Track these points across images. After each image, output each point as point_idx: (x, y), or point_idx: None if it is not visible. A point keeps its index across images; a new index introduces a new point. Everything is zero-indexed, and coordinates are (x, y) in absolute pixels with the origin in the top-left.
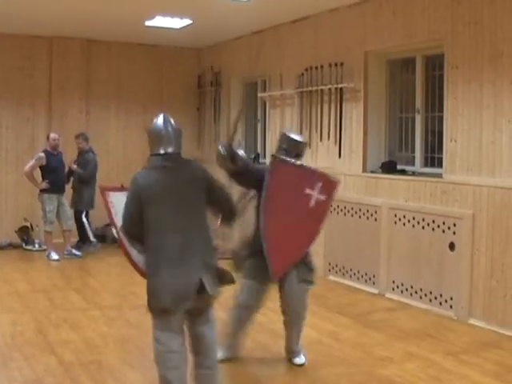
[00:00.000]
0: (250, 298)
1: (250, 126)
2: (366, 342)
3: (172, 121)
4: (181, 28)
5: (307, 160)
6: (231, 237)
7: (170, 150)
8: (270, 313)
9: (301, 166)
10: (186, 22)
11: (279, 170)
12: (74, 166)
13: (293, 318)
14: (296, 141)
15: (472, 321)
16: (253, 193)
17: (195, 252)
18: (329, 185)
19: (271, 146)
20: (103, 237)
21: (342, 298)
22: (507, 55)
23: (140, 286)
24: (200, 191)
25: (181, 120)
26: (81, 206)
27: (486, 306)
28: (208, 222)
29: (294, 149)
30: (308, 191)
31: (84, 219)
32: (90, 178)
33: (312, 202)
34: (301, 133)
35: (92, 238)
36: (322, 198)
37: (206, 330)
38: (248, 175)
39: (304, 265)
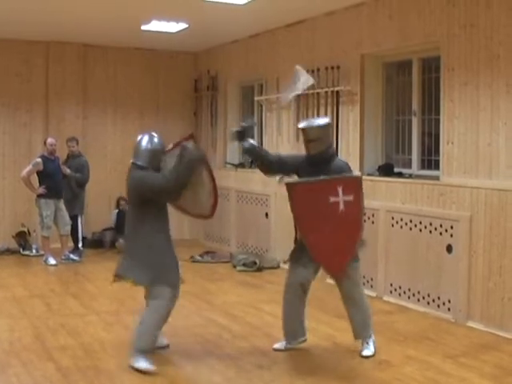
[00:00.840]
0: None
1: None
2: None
3: (153, 140)
4: (177, 32)
5: None
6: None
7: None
8: (267, 316)
9: (314, 181)
10: (182, 26)
11: (296, 192)
12: (68, 171)
13: (347, 303)
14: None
15: (470, 323)
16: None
17: None
18: (351, 183)
19: (269, 149)
20: (100, 242)
21: (339, 301)
22: (503, 57)
23: (138, 290)
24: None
25: (177, 124)
26: (77, 210)
27: (484, 309)
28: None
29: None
30: (333, 199)
31: (80, 224)
32: (87, 182)
33: (341, 207)
34: (297, 136)
35: (80, 246)
36: (350, 198)
37: None
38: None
39: None
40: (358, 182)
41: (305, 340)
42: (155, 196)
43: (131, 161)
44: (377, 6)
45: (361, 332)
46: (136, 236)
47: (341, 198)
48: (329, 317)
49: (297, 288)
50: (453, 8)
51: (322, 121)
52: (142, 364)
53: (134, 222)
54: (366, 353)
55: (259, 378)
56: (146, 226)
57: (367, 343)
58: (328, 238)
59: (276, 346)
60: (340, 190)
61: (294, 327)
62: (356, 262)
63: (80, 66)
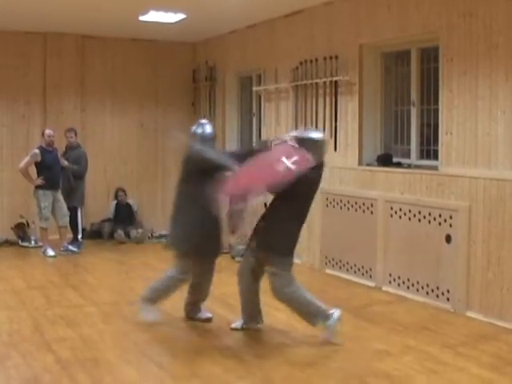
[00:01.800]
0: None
1: (246, 120)
2: (363, 335)
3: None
4: (175, 22)
5: None
6: None
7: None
8: (265, 306)
9: (294, 145)
10: (180, 16)
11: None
12: (66, 163)
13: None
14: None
15: (469, 313)
16: None
17: None
18: (303, 161)
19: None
20: (99, 233)
21: (338, 291)
22: (502, 47)
23: (137, 281)
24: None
25: (176, 115)
26: (76, 202)
27: (483, 299)
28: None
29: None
30: (283, 159)
31: (79, 216)
32: (85, 174)
33: (280, 166)
34: (296, 126)
35: (79, 237)
36: (292, 167)
37: None
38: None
39: None
40: (309, 163)
41: (259, 326)
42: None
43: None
44: None
45: (311, 322)
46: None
47: (287, 163)
48: (328, 307)
49: (247, 275)
50: None
51: (315, 134)
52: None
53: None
54: (325, 336)
55: (259, 368)
56: None
57: (327, 328)
58: (251, 169)
59: (233, 325)
60: (294, 158)
61: (249, 312)
62: (284, 257)
63: (78, 57)
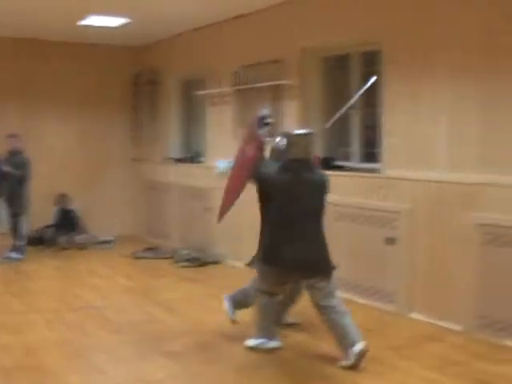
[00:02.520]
0: None
1: (188, 125)
2: (306, 339)
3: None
4: (118, 26)
5: None
6: None
7: None
8: (210, 311)
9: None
10: (124, 20)
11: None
12: (7, 168)
13: None
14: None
15: (413, 315)
16: None
17: None
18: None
19: (210, 144)
20: (40, 239)
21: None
22: (444, 49)
23: (80, 287)
24: None
25: (118, 119)
26: (19, 209)
27: (427, 300)
28: None
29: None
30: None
31: (22, 223)
32: (28, 179)
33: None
34: (237, 131)
35: (21, 244)
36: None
37: None
38: None
39: None
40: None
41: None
42: None
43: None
44: (317, 0)
45: None
46: None
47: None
48: None
49: None
50: (394, 2)
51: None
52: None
53: None
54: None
55: (204, 373)
56: None
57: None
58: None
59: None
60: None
61: None
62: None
63: (17, 61)
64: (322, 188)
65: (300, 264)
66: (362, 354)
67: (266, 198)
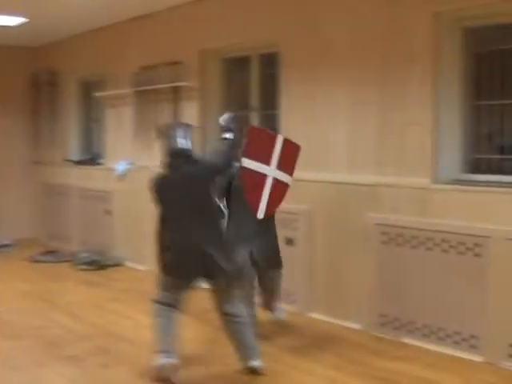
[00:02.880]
0: None
1: (87, 126)
2: (209, 339)
3: None
4: (15, 26)
5: (145, 160)
6: None
7: None
8: (110, 314)
9: None
10: (21, 19)
11: None
12: None
13: None
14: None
15: (313, 315)
16: None
17: None
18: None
19: (110, 146)
20: None
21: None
22: (340, 53)
23: None
24: None
25: (17, 121)
26: None
27: (326, 300)
28: None
29: None
30: None
31: None
32: None
33: None
34: (138, 133)
35: None
36: None
37: None
38: None
39: None
40: None
41: None
42: None
43: None
44: (217, 1)
45: None
46: None
47: None
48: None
49: None
50: (292, 5)
51: None
52: None
53: None
54: None
55: (103, 377)
56: None
57: None
58: None
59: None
60: None
61: None
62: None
63: None
64: (204, 180)
65: (187, 268)
66: (255, 371)
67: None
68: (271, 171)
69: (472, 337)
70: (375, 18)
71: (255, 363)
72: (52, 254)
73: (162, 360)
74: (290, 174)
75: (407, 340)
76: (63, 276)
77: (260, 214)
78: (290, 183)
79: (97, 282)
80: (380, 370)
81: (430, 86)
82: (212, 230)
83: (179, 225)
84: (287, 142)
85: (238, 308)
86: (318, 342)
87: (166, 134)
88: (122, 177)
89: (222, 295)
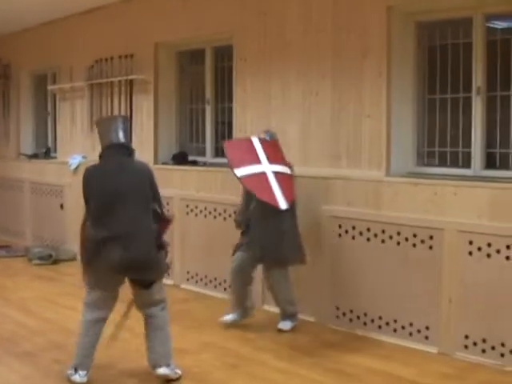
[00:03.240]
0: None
1: (41, 120)
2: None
3: None
4: None
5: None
6: None
7: None
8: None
9: None
10: None
11: None
12: None
13: None
14: None
15: (266, 306)
16: None
17: None
18: None
19: (63, 139)
20: None
21: (128, 290)
22: (295, 46)
23: None
24: None
25: None
26: None
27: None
28: None
29: None
30: None
31: None
32: None
33: None
34: (91, 126)
35: None
36: None
37: None
38: None
39: None
40: None
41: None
42: None
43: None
44: None
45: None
46: None
47: None
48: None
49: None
50: None
51: None
52: None
53: None
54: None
55: (56, 373)
56: None
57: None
58: None
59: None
60: None
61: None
62: None
63: None
64: (140, 174)
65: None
66: (165, 378)
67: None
68: (266, 167)
69: (426, 328)
70: (329, 10)
71: (166, 372)
72: (5, 249)
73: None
74: (284, 164)
75: (362, 332)
76: (16, 271)
77: (282, 205)
78: (291, 173)
79: (50, 276)
80: (335, 363)
81: (383, 79)
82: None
83: (112, 215)
84: (263, 140)
85: (156, 310)
86: (271, 335)
87: (102, 127)
88: (76, 170)
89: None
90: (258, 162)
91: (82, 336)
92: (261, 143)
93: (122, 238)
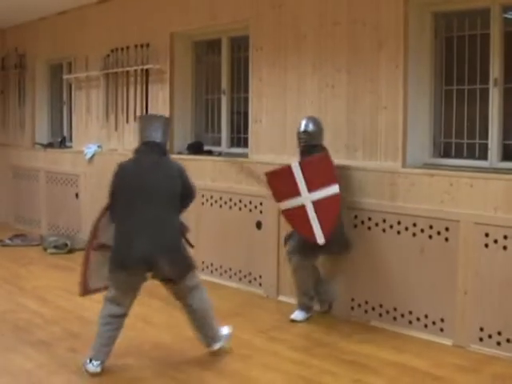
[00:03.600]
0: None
1: (56, 109)
2: (177, 324)
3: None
4: None
5: (113, 143)
6: None
7: None
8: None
9: None
10: None
11: None
12: None
13: None
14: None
15: (281, 298)
16: None
17: None
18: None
19: (78, 129)
20: None
21: (150, 281)
22: (310, 38)
23: None
24: None
25: None
26: None
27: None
28: None
29: None
30: None
31: None
32: None
33: None
34: (107, 115)
35: None
36: None
37: None
38: None
39: None
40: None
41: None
42: None
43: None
44: None
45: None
46: None
47: None
48: (141, 296)
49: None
50: None
51: None
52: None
53: None
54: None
55: (72, 361)
56: None
57: None
58: None
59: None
60: None
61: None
62: None
63: None
64: (170, 174)
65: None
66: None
67: None
68: (305, 198)
69: (441, 320)
70: (345, 2)
71: (217, 345)
72: (20, 238)
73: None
74: (330, 183)
75: (377, 324)
76: (31, 260)
77: (320, 240)
78: (335, 192)
79: (65, 265)
80: (348, 353)
81: (400, 70)
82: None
83: (135, 212)
84: (305, 163)
85: (192, 298)
86: (285, 325)
87: (143, 123)
88: (91, 159)
89: (176, 288)
90: (297, 193)
91: (99, 328)
92: (301, 167)
93: (145, 234)
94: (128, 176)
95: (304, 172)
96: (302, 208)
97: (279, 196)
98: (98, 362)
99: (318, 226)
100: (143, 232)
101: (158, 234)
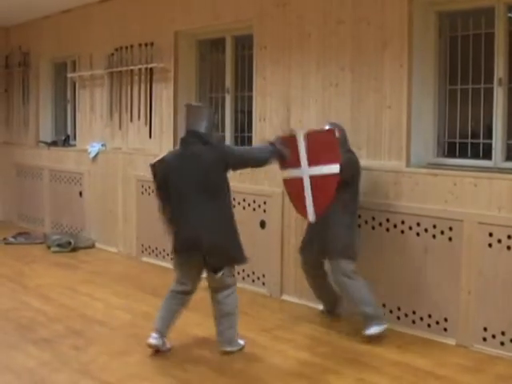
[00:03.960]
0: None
1: (60, 108)
2: (181, 322)
3: None
4: None
5: (117, 142)
6: None
7: None
8: (82, 297)
9: None
10: None
11: None
12: None
13: None
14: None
15: (284, 297)
16: None
17: None
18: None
19: (82, 127)
20: None
21: (155, 279)
22: (314, 37)
23: None
24: None
25: None
26: None
27: (297, 282)
28: None
29: None
30: None
31: None
32: None
33: None
34: (111, 114)
35: None
36: None
37: None
38: None
39: None
40: None
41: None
42: None
43: None
44: None
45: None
46: None
47: None
48: (144, 294)
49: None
50: None
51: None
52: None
53: None
54: None
55: (75, 359)
56: None
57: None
58: None
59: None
60: None
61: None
62: None
63: None
64: (215, 163)
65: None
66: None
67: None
68: (304, 171)
69: (445, 320)
70: (349, 1)
71: (228, 348)
72: (24, 236)
73: (152, 340)
74: (331, 161)
75: None
76: (35, 258)
77: (311, 218)
78: (335, 172)
79: (69, 264)
80: (352, 352)
81: (404, 69)
82: (220, 213)
83: (184, 203)
84: (311, 135)
85: (223, 296)
86: (289, 324)
87: (189, 112)
88: (95, 158)
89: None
90: (298, 164)
91: (163, 301)
92: (308, 139)
93: (193, 223)
94: (171, 169)
95: (308, 143)
96: (300, 181)
97: (283, 163)
98: (156, 335)
99: (311, 203)
100: (191, 220)
101: (204, 221)
